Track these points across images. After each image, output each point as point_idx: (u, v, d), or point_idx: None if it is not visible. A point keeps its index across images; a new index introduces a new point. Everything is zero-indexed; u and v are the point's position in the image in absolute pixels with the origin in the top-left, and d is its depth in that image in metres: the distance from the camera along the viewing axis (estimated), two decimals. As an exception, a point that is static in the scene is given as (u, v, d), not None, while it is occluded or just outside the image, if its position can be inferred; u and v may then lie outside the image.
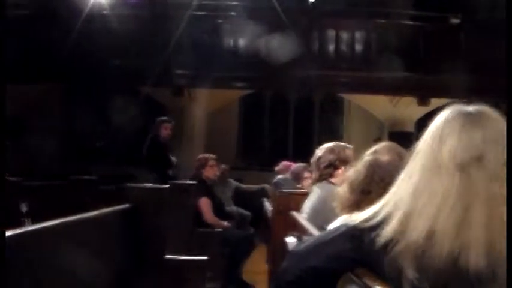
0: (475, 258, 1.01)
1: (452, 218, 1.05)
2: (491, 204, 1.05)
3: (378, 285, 1.10)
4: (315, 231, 2.13)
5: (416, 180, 1.15)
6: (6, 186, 3.87)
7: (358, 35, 9.93)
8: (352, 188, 1.95)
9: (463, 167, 1.09)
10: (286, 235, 2.89)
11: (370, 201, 1.87)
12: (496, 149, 1.10)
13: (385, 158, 1.96)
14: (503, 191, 1.05)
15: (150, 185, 5.44)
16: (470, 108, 1.19)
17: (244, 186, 8.96)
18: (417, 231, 1.08)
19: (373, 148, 2.04)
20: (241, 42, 9.63)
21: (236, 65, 9.25)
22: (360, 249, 1.17)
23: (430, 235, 1.06)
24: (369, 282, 1.13)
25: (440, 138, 1.15)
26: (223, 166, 7.79)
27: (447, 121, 1.18)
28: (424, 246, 1.05)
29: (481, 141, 1.11)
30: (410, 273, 1.06)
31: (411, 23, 10.23)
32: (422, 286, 1.04)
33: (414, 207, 1.11)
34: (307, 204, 3.19)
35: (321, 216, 2.56)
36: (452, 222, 1.05)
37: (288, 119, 13.59)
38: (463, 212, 1.05)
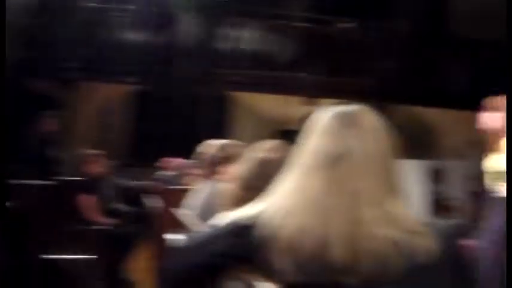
0: (337, 252, 1.06)
1: (318, 213, 1.10)
2: (355, 199, 1.11)
3: (261, 280, 1.13)
4: (200, 228, 2.15)
5: (293, 178, 1.20)
6: None
7: (251, 34, 10.06)
8: (240, 186, 1.98)
9: (331, 164, 1.14)
10: (171, 232, 2.89)
11: (251, 199, 1.93)
12: (365, 147, 1.16)
13: (272, 155, 1.99)
14: (369, 186, 1.12)
15: (33, 181, 5.25)
16: (346, 108, 1.25)
17: (130, 182, 8.82)
18: (291, 228, 1.11)
19: (261, 146, 2.09)
20: (135, 36, 9.44)
21: (128, 60, 9.09)
22: (243, 245, 1.19)
23: (302, 231, 1.10)
24: (253, 278, 1.17)
25: (313, 137, 1.21)
26: (109, 162, 7.62)
27: (321, 121, 1.23)
28: (295, 241, 1.10)
29: (349, 139, 1.17)
30: (284, 267, 1.09)
31: (302, 24, 10.52)
32: (297, 279, 1.09)
33: (290, 204, 1.15)
34: (194, 201, 3.20)
35: (207, 213, 2.56)
36: (318, 217, 1.10)
37: (177, 115, 13.50)
38: (328, 208, 1.10)
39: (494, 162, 4.13)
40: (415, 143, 10.78)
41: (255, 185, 1.93)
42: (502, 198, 4.07)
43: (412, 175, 10.84)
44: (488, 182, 4.23)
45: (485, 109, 4.07)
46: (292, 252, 1.10)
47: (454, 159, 4.46)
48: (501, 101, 4.06)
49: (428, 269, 1.05)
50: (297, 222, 1.11)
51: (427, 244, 1.06)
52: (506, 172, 0.80)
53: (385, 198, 1.12)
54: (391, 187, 1.15)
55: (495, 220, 4.19)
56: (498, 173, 4.11)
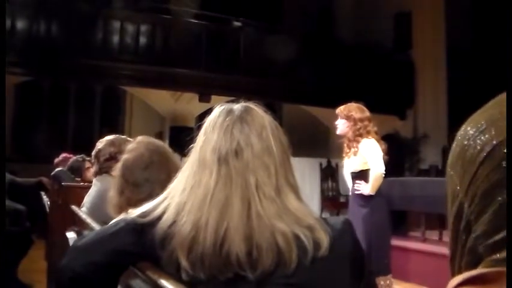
0: (235, 246, 1.08)
1: (214, 208, 1.12)
2: (247, 195, 1.13)
3: (161, 278, 1.12)
4: (95, 226, 2.13)
5: (187, 174, 1.22)
6: None
7: (143, 28, 9.94)
8: (115, 190, 1.98)
9: (224, 160, 1.16)
10: (65, 230, 2.83)
11: (128, 202, 1.94)
12: (255, 143, 1.19)
13: (131, 155, 1.98)
14: (262, 181, 1.14)
15: None
16: (236, 106, 1.27)
17: (19, 179, 8.44)
18: (186, 224, 1.13)
19: (129, 145, 2.09)
20: (19, 24, 9.02)
21: (12, 49, 8.65)
22: (141, 243, 1.19)
23: (197, 226, 1.12)
24: (152, 276, 1.14)
25: (206, 134, 1.23)
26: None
27: (214, 118, 1.25)
28: (193, 237, 1.11)
29: (240, 135, 1.19)
30: (184, 264, 1.11)
31: (196, 21, 10.53)
32: (197, 276, 1.10)
33: (184, 201, 1.17)
34: (87, 198, 3.16)
35: (101, 210, 2.54)
36: (214, 212, 1.12)
37: (68, 110, 13.10)
38: (224, 203, 1.12)
39: (349, 163, 4.54)
40: (308, 141, 11.13)
41: (121, 189, 1.93)
42: (354, 195, 4.48)
43: (305, 172, 11.17)
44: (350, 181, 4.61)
45: (337, 116, 4.49)
46: (190, 247, 1.11)
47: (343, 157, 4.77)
48: (339, 110, 4.50)
49: (324, 262, 1.07)
50: (193, 218, 1.13)
51: (322, 238, 1.09)
52: (506, 172, 0.74)
53: (280, 193, 1.15)
54: (285, 182, 1.18)
55: (351, 212, 4.58)
56: (353, 173, 4.52)
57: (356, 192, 4.47)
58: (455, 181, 0.63)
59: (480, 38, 12.77)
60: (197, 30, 10.28)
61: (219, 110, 1.28)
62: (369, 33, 12.63)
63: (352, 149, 4.43)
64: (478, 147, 0.60)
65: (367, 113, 4.46)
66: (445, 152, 11.29)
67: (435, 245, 6.51)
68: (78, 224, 2.75)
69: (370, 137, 4.39)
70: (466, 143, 0.62)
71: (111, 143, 3.20)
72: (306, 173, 11.18)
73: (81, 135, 12.42)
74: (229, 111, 1.25)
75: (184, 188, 1.20)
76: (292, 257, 1.07)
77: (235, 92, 9.66)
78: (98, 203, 2.91)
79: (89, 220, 2.41)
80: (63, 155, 7.24)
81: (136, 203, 2.04)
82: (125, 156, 1.98)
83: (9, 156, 9.88)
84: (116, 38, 9.71)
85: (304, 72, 10.79)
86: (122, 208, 2.05)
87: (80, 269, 1.22)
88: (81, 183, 4.98)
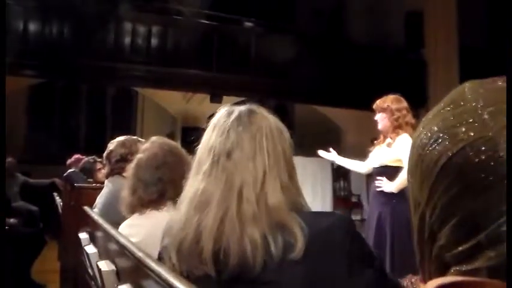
0: (205, 247, 1.11)
1: (198, 208, 1.15)
2: (228, 198, 1.14)
3: (173, 278, 1.13)
4: (108, 227, 2.14)
5: (191, 173, 1.25)
6: None
7: (154, 29, 9.97)
8: (128, 189, 2.00)
9: (216, 161, 1.18)
10: (78, 231, 2.84)
11: (140, 202, 1.94)
12: (246, 144, 1.19)
13: (144, 155, 2.00)
14: (247, 183, 1.15)
15: None
16: (240, 107, 1.27)
17: (32, 180, 8.50)
18: (177, 222, 1.19)
19: (142, 145, 2.09)
20: (32, 27, 9.08)
21: (26, 52, 8.71)
22: None
23: (183, 224, 1.17)
24: (164, 276, 1.16)
25: (207, 135, 1.25)
26: (9, 159, 7.32)
27: (215, 119, 1.27)
28: (180, 236, 1.17)
29: (234, 137, 1.20)
30: (173, 258, 1.18)
31: (207, 22, 10.54)
32: (183, 269, 1.16)
33: (181, 200, 1.22)
34: (99, 199, 3.17)
35: (113, 210, 2.55)
36: (197, 212, 1.15)
37: (80, 111, 13.18)
38: (206, 205, 1.15)
39: (377, 154, 4.40)
40: (320, 141, 11.12)
41: (134, 188, 1.94)
42: (376, 192, 4.34)
43: (317, 172, 11.17)
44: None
45: (375, 111, 4.36)
46: (176, 246, 1.17)
47: (357, 157, 4.67)
48: (376, 104, 4.38)
49: (297, 263, 1.05)
50: (181, 217, 1.18)
51: (296, 240, 1.07)
52: (506, 171, 0.68)
53: (265, 194, 1.14)
54: (274, 183, 1.16)
55: (370, 211, 4.48)
56: (376, 168, 4.39)
57: (377, 190, 4.29)
58: (415, 189, 0.63)
59: (493, 37, 12.67)
60: (208, 30, 10.28)
61: (222, 111, 1.29)
62: (381, 33, 12.57)
63: (388, 140, 4.24)
64: (434, 159, 0.59)
65: (405, 103, 4.25)
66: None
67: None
68: (91, 225, 2.75)
69: (409, 132, 4.14)
70: (421, 152, 0.61)
71: (123, 144, 3.21)
72: (318, 173, 11.17)
73: (93, 136, 12.49)
74: (230, 113, 1.26)
75: (185, 188, 1.24)
76: (257, 260, 1.07)
77: (246, 93, 9.67)
78: (110, 204, 2.92)
79: (101, 221, 2.42)
80: (76, 156, 7.29)
81: (149, 203, 2.06)
82: (138, 156, 2.00)
83: (22, 158, 9.96)
84: (127, 40, 9.74)
85: (315, 72, 10.75)
86: (135, 207, 2.05)
87: None
88: (93, 185, 5.00)
